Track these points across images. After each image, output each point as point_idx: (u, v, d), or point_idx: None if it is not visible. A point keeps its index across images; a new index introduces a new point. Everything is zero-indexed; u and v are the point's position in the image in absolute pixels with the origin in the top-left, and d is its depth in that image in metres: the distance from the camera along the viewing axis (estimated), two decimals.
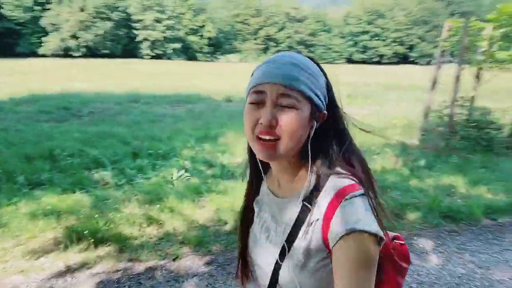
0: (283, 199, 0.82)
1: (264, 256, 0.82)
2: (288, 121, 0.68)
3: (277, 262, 0.76)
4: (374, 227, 0.67)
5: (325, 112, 0.75)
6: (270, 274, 0.77)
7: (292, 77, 0.69)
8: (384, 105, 11.34)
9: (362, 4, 61.78)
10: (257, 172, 0.88)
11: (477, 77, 5.64)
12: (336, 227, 0.68)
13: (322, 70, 0.77)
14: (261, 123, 0.69)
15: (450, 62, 6.37)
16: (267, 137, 0.69)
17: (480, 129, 5.43)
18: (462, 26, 5.21)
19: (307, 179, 0.77)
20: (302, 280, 0.73)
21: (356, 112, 10.73)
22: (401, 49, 60.97)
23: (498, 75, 5.41)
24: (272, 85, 0.69)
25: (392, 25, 60.53)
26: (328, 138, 0.77)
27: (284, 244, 0.75)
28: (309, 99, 0.71)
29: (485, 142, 5.38)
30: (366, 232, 0.66)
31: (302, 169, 0.79)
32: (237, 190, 3.70)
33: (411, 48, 60.53)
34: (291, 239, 0.75)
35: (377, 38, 61.69)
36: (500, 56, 5.15)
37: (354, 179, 0.74)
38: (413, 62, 59.05)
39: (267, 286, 0.79)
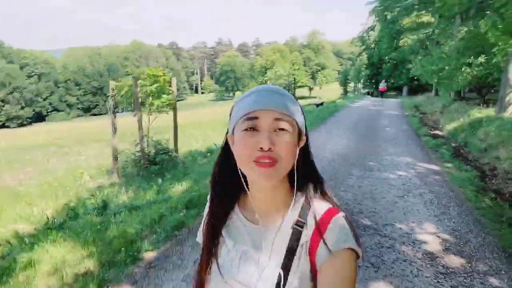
0: (266, 226, 0.81)
1: None
2: (284, 143, 0.72)
3: None
4: (357, 245, 0.74)
5: (305, 136, 0.80)
6: None
7: (283, 104, 0.74)
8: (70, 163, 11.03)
9: None
10: (228, 199, 0.86)
11: (148, 119, 7.75)
12: (328, 245, 0.73)
13: (296, 100, 0.80)
14: (261, 148, 0.71)
15: (121, 111, 8.06)
16: (267, 161, 0.71)
17: (159, 155, 7.62)
18: (134, 85, 7.08)
19: (293, 202, 0.81)
20: None
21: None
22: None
23: (158, 116, 7.85)
24: (267, 112, 0.72)
25: None
26: (309, 162, 0.83)
27: (280, 273, 0.75)
28: (296, 124, 0.76)
29: (164, 163, 7.64)
30: (353, 250, 0.74)
31: (286, 193, 0.82)
32: None
33: None
34: (287, 266, 0.75)
35: None
36: (156, 103, 7.55)
37: (331, 202, 0.81)
38: (4, 126, 54.22)
39: None
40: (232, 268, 0.81)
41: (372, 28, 37.38)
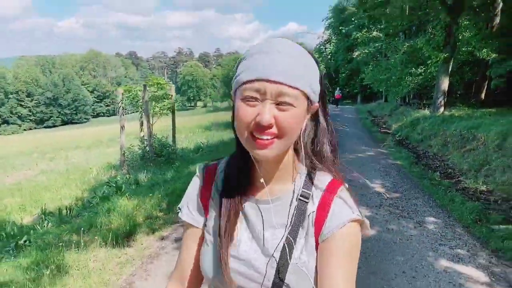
0: (270, 199, 0.77)
1: (258, 265, 0.74)
2: (286, 120, 0.66)
3: (279, 269, 0.72)
4: (361, 216, 0.74)
5: (317, 104, 0.74)
6: (271, 279, 0.72)
7: (291, 73, 0.65)
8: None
9: None
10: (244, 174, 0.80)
11: (151, 120, 9.25)
12: (334, 220, 0.72)
13: (315, 60, 0.72)
14: (259, 122, 0.65)
15: (129, 113, 9.44)
16: (266, 137, 0.66)
17: (164, 149, 9.16)
18: (143, 90, 8.57)
19: (298, 174, 0.78)
20: (308, 281, 0.72)
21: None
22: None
23: (159, 119, 9.40)
24: (271, 84, 0.64)
25: None
26: (318, 131, 0.78)
27: (285, 246, 0.73)
28: (305, 95, 0.68)
29: (167, 156, 9.16)
30: (360, 220, 0.73)
31: (291, 163, 0.78)
32: None
33: None
34: (292, 240, 0.73)
35: None
36: (155, 109, 9.09)
37: (336, 174, 0.79)
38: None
39: None
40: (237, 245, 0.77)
41: (328, 41, 40.99)
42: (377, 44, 22.56)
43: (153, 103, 9.13)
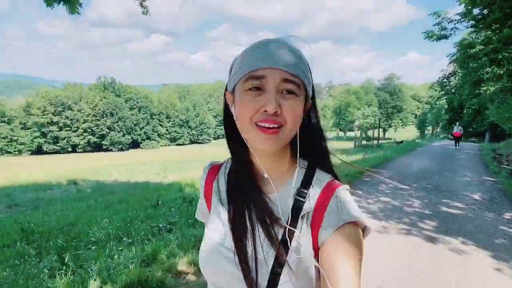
0: (267, 194, 0.78)
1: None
2: (291, 107, 0.68)
3: (275, 264, 0.72)
4: (364, 217, 0.73)
5: (311, 101, 0.77)
6: (266, 278, 0.72)
7: (292, 63, 0.69)
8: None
9: (45, 95, 61.99)
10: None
11: None
12: (332, 218, 0.71)
13: (306, 60, 0.75)
14: (265, 111, 0.67)
15: None
16: (272, 125, 0.68)
17: None
18: None
19: (296, 171, 0.78)
20: (302, 277, 0.71)
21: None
22: (93, 138, 65.98)
23: None
24: (274, 71, 0.67)
25: (81, 116, 64.90)
26: (313, 128, 0.79)
27: (280, 243, 0.72)
28: (304, 87, 0.72)
29: None
30: (359, 222, 0.72)
31: (288, 160, 0.80)
32: None
33: (102, 137, 66.93)
34: (288, 235, 0.72)
35: (67, 129, 63.48)
36: None
37: (332, 174, 0.80)
38: (107, 150, 65.56)
39: None
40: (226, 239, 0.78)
41: (452, 74, 39.99)
42: (505, 81, 22.43)
43: None
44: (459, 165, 12.81)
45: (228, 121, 0.80)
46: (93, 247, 3.99)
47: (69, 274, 2.97)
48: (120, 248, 3.85)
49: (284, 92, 0.69)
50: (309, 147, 0.79)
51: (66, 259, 3.36)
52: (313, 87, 0.77)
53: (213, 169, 0.89)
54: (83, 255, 3.67)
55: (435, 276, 3.66)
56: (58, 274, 2.93)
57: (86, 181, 13.79)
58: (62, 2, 3.49)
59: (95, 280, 2.84)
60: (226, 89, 0.78)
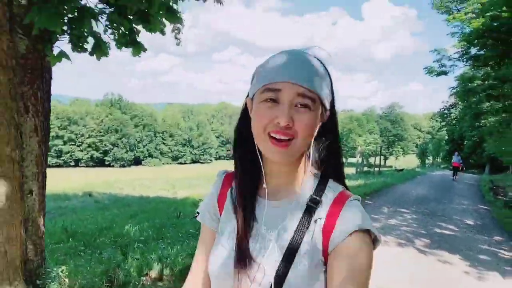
0: (277, 201, 0.81)
1: (262, 267, 0.76)
2: (304, 122, 0.71)
3: (280, 270, 0.73)
4: (374, 229, 0.74)
5: (329, 112, 0.79)
6: (273, 281, 0.73)
7: (309, 78, 0.72)
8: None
9: (52, 110, 63.42)
10: (251, 177, 0.83)
11: None
12: (343, 226, 0.72)
13: (326, 70, 0.78)
14: (278, 123, 0.70)
15: None
16: (283, 137, 0.71)
17: None
18: None
19: (309, 179, 0.81)
20: (310, 283, 0.72)
21: None
22: (96, 154, 66.87)
23: None
24: (291, 85, 0.71)
25: (86, 131, 66.10)
26: (328, 139, 0.81)
27: (287, 250, 0.74)
28: (320, 100, 0.74)
29: None
30: (370, 232, 0.73)
31: (302, 169, 0.81)
32: None
33: (105, 152, 67.83)
34: (295, 244, 0.74)
35: (72, 143, 64.58)
36: None
37: (344, 185, 0.83)
38: (109, 165, 66.29)
39: None
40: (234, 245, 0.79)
41: (453, 106, 41.18)
42: (504, 115, 23.37)
43: None
44: (457, 194, 13.58)
45: (242, 127, 0.83)
46: (140, 245, 4.75)
47: (134, 260, 3.75)
48: (163, 246, 4.62)
49: (299, 105, 0.71)
50: (324, 158, 0.82)
51: (125, 251, 4.14)
52: (333, 98, 0.80)
53: (228, 177, 0.91)
54: (136, 249, 4.44)
55: (426, 279, 4.42)
56: (127, 258, 3.71)
57: (100, 194, 14.54)
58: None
59: (157, 264, 3.63)
60: (247, 96, 0.81)
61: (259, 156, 0.78)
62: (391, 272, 4.47)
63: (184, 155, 77.98)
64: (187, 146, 78.37)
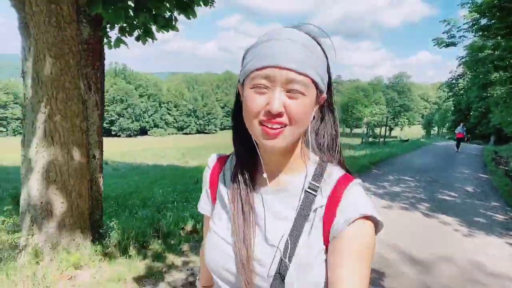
0: (275, 188, 0.78)
1: (260, 257, 0.75)
2: (296, 108, 0.67)
3: (280, 261, 0.72)
4: (376, 213, 0.72)
5: (325, 95, 0.76)
6: (273, 271, 0.72)
7: (302, 61, 0.67)
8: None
9: None
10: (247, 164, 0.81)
11: None
12: (345, 214, 0.71)
13: (323, 49, 0.73)
14: (269, 111, 0.66)
15: None
16: (275, 126, 0.67)
17: None
18: None
19: (308, 165, 0.78)
20: (310, 274, 0.71)
21: None
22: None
23: None
24: (281, 70, 0.66)
25: None
26: (326, 123, 0.80)
27: (288, 240, 0.73)
28: (315, 84, 0.70)
29: None
30: (373, 218, 0.71)
31: (299, 155, 0.79)
32: None
33: (111, 122, 68.55)
34: (296, 233, 0.73)
35: None
36: None
37: (345, 169, 0.81)
38: (116, 135, 67.21)
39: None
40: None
41: (461, 76, 40.84)
42: (511, 86, 23.40)
43: None
44: (460, 164, 14.08)
45: (238, 113, 0.79)
46: (169, 205, 5.35)
47: (170, 217, 4.35)
48: (191, 207, 5.21)
49: (291, 91, 0.67)
50: (322, 143, 0.80)
51: (160, 210, 4.74)
52: (330, 79, 0.76)
53: (219, 162, 0.89)
54: (169, 208, 5.04)
55: (425, 237, 5.01)
56: (165, 215, 4.32)
57: (115, 163, 15.20)
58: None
59: (191, 220, 4.23)
60: (238, 81, 0.77)
61: (255, 144, 0.77)
62: (393, 230, 5.05)
63: (189, 125, 78.67)
64: (192, 117, 78.89)
